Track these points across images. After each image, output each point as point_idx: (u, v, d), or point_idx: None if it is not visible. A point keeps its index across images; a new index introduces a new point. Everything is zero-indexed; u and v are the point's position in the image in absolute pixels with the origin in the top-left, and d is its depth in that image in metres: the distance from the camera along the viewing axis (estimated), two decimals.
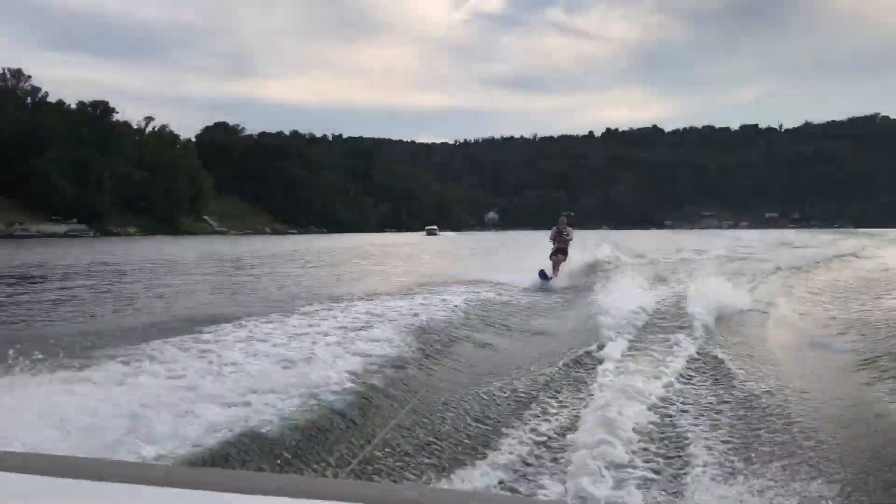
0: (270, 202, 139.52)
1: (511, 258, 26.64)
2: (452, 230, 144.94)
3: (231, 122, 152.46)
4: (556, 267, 19.92)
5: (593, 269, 21.80)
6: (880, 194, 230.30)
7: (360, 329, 9.19)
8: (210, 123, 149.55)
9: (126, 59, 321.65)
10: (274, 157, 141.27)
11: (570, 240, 20.76)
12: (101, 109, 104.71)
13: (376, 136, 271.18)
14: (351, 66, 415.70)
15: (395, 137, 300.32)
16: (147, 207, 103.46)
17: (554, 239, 20.66)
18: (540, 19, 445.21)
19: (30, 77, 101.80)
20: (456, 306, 12.64)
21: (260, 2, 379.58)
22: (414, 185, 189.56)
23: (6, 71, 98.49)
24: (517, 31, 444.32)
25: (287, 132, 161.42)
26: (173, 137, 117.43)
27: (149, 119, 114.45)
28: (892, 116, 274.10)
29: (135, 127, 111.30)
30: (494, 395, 6.86)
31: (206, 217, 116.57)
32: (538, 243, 23.03)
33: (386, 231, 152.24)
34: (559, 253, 20.33)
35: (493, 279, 18.22)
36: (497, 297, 15.41)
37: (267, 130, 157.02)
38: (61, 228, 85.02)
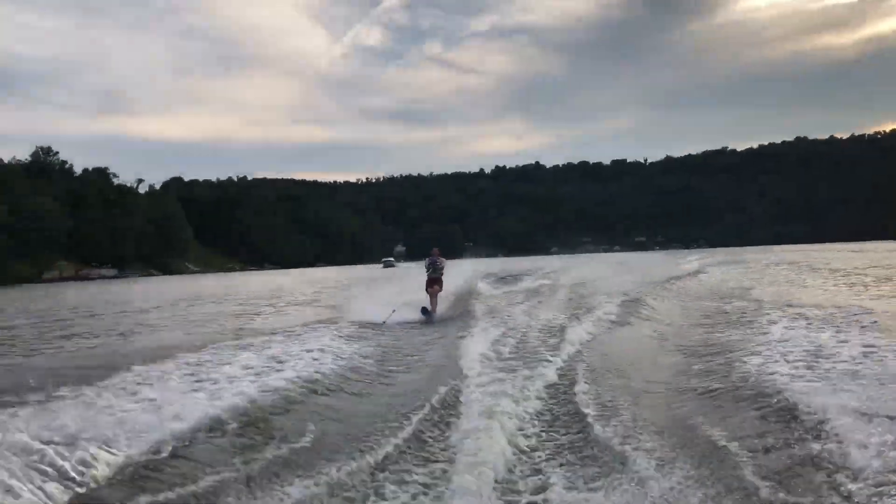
0: (228, 244, 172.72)
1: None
2: (366, 263, 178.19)
3: (107, 161, 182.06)
4: (433, 299, 21.37)
5: (471, 296, 23.58)
6: (727, 217, 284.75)
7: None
8: (88, 161, 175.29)
9: None
10: (229, 205, 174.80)
11: (442, 268, 22.17)
12: (102, 173, 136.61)
13: (274, 176, 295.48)
14: (228, 101, 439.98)
15: (279, 171, 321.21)
16: (149, 253, 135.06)
17: (429, 268, 21.99)
18: (419, 53, 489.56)
19: (57, 152, 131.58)
20: (325, 348, 13.55)
21: (129, 36, 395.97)
22: (336, 224, 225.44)
23: (39, 150, 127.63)
24: (398, 65, 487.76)
25: (235, 178, 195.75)
26: (161, 196, 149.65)
27: (139, 181, 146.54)
28: (738, 149, 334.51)
29: (127, 186, 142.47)
30: (357, 443, 7.05)
31: (185, 262, 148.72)
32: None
33: (319, 265, 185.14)
34: (434, 284, 21.68)
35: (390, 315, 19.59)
36: (376, 335, 16.68)
37: (176, 175, 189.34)
38: (111, 272, 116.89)
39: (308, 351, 13.11)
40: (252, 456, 6.72)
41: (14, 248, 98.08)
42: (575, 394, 8.97)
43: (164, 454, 6.39)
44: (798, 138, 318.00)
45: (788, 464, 5.82)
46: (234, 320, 23.93)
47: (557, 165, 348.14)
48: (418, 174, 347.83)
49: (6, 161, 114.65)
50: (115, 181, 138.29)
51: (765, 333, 13.15)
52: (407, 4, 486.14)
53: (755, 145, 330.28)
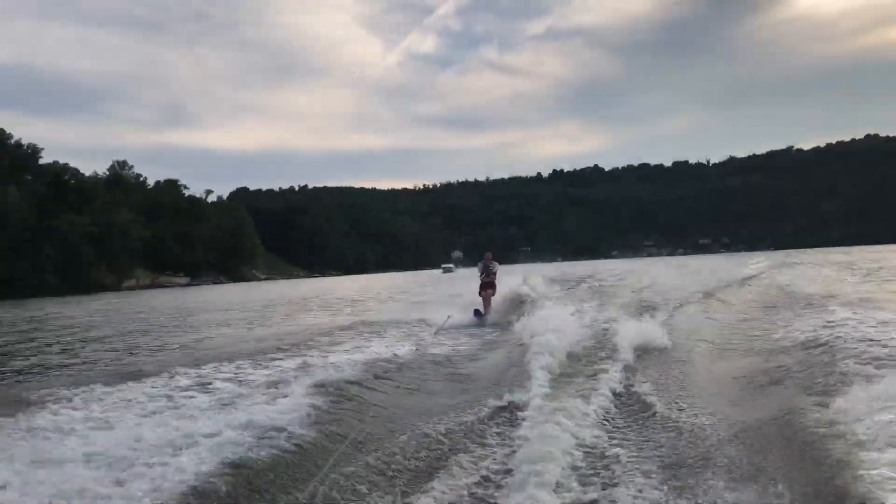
0: (292, 252, 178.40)
1: None
2: (426, 269, 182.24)
3: (171, 172, 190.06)
4: (486, 302, 21.90)
5: (521, 302, 22.94)
6: (796, 219, 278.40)
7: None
8: (152, 172, 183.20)
9: (56, 114, 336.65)
10: (293, 214, 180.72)
11: (495, 272, 22.71)
12: (173, 184, 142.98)
13: (333, 185, 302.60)
14: (287, 111, 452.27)
15: (338, 179, 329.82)
16: (218, 261, 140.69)
17: (482, 273, 22.49)
18: (474, 59, 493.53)
19: (132, 166, 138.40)
20: (387, 348, 14.30)
21: (189, 50, 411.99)
22: (396, 231, 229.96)
23: (115, 163, 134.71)
24: (453, 71, 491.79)
25: (297, 187, 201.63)
26: (230, 206, 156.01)
27: (208, 191, 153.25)
28: (805, 148, 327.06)
29: (197, 197, 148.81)
30: (421, 441, 7.13)
31: (253, 270, 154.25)
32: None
33: (380, 271, 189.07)
34: (488, 288, 22.24)
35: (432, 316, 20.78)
36: (431, 338, 17.20)
37: (246, 185, 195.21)
38: (184, 280, 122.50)
39: (425, 336, 17.74)
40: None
41: (96, 257, 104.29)
42: (642, 393, 9.02)
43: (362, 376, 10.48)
44: (868, 136, 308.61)
45: None
46: (353, 312, 28.41)
47: (617, 168, 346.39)
48: (475, 179, 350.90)
49: (87, 175, 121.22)
50: (186, 192, 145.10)
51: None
52: (461, 10, 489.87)
53: (822, 144, 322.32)
